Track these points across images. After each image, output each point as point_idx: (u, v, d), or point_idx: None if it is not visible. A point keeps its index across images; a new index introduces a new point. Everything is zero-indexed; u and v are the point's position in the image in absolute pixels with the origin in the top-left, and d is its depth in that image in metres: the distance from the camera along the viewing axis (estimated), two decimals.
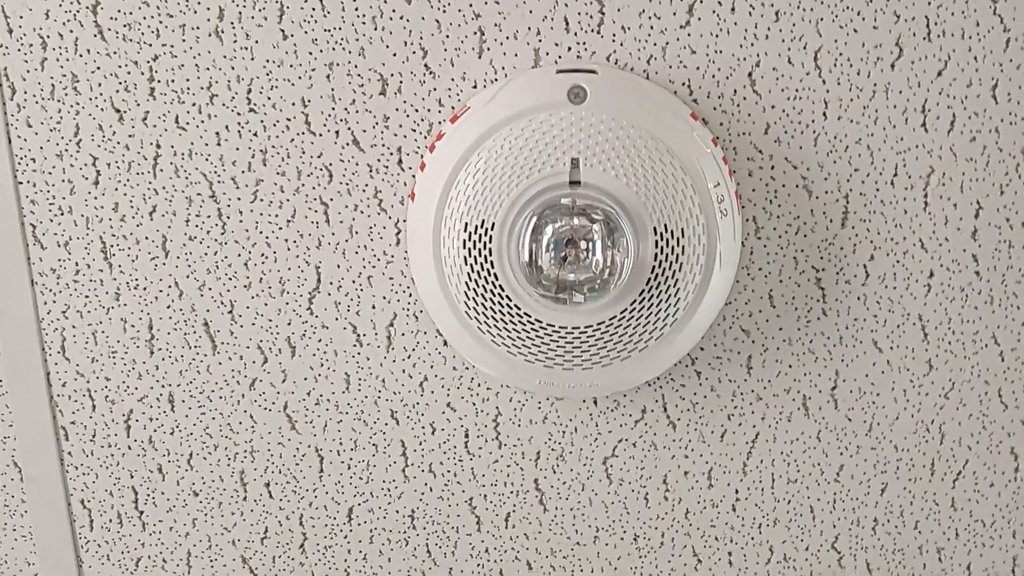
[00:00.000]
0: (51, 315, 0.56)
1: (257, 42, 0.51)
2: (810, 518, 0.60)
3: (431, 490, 0.59)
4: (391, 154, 0.53)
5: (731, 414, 0.57)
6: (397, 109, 0.52)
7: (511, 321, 0.50)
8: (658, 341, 0.50)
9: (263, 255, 0.55)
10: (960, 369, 0.56)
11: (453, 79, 0.51)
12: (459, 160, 0.49)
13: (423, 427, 0.58)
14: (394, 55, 0.51)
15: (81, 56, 0.52)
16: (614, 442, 0.58)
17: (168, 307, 0.56)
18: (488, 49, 0.50)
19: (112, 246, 0.55)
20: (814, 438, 0.58)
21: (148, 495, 0.60)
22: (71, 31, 0.51)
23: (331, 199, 0.54)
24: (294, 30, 0.51)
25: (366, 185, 0.53)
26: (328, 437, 0.58)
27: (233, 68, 0.51)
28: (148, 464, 0.59)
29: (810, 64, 0.51)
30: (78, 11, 0.51)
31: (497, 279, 0.49)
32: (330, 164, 0.53)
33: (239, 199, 0.54)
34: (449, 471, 0.59)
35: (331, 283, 0.55)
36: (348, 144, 0.53)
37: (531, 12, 0.50)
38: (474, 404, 0.57)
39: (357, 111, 0.52)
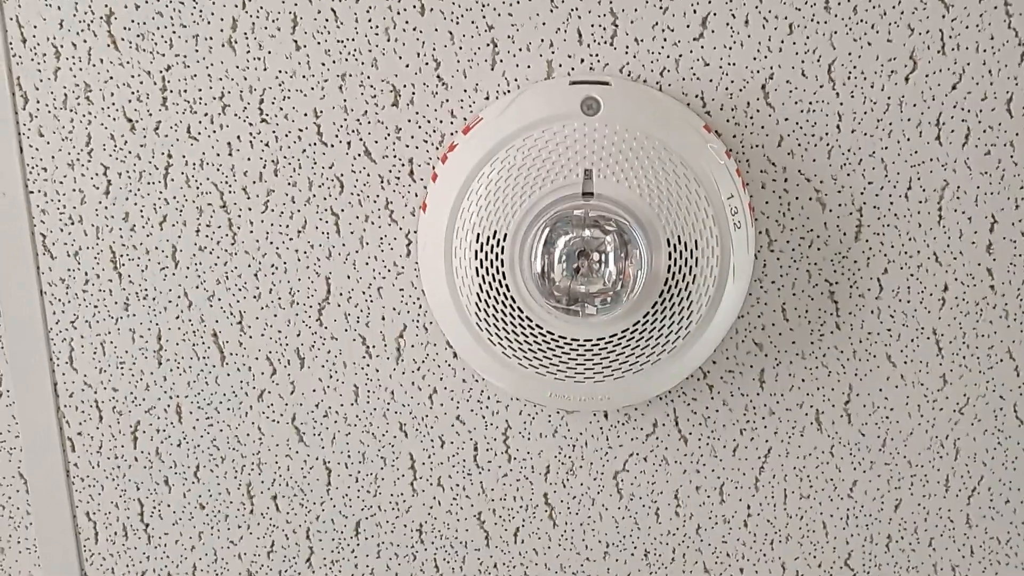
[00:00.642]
0: (60, 325, 0.56)
1: (270, 53, 0.51)
2: (823, 534, 0.59)
3: (439, 504, 0.59)
4: (403, 165, 0.52)
5: (743, 428, 0.57)
6: (409, 120, 0.52)
7: (522, 333, 0.49)
8: (670, 354, 0.50)
9: (273, 265, 0.54)
10: (975, 384, 0.56)
11: (466, 90, 0.51)
12: (471, 171, 0.48)
13: (432, 440, 0.57)
14: (407, 66, 0.51)
15: (94, 66, 0.52)
16: (625, 456, 0.57)
17: (177, 317, 0.56)
18: (501, 61, 0.50)
19: (122, 256, 0.55)
20: (827, 453, 0.57)
21: (154, 507, 0.60)
22: (84, 41, 0.51)
23: (342, 210, 0.53)
24: (307, 41, 0.51)
25: (377, 196, 0.53)
26: (336, 450, 0.58)
27: (245, 78, 0.51)
28: (154, 476, 0.59)
29: (824, 77, 0.50)
30: (92, 21, 0.51)
31: (509, 290, 0.48)
32: (341, 175, 0.53)
33: (250, 209, 0.54)
34: (458, 485, 0.58)
35: (341, 294, 0.55)
36: (360, 155, 0.52)
37: (544, 24, 0.50)
38: (483, 417, 0.57)
39: (369, 122, 0.52)
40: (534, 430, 0.57)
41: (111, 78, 0.52)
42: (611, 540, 0.59)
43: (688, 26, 0.50)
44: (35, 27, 0.51)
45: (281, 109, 0.52)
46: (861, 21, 0.49)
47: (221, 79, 0.51)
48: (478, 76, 0.51)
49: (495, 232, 0.48)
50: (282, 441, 0.58)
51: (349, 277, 0.54)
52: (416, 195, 0.53)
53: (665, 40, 0.50)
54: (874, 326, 0.55)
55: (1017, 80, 0.50)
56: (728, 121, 0.51)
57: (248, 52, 0.51)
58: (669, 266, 0.48)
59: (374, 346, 0.56)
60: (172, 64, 0.51)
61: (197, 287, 0.55)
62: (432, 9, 0.50)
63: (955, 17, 0.49)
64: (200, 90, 0.52)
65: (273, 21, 0.50)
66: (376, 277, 0.54)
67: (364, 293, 0.55)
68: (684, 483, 0.58)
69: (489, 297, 0.49)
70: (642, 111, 0.48)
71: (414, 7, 0.50)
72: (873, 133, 0.51)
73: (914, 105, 0.51)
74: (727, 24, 0.50)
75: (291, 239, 0.54)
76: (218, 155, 0.53)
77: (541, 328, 0.49)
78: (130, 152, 0.53)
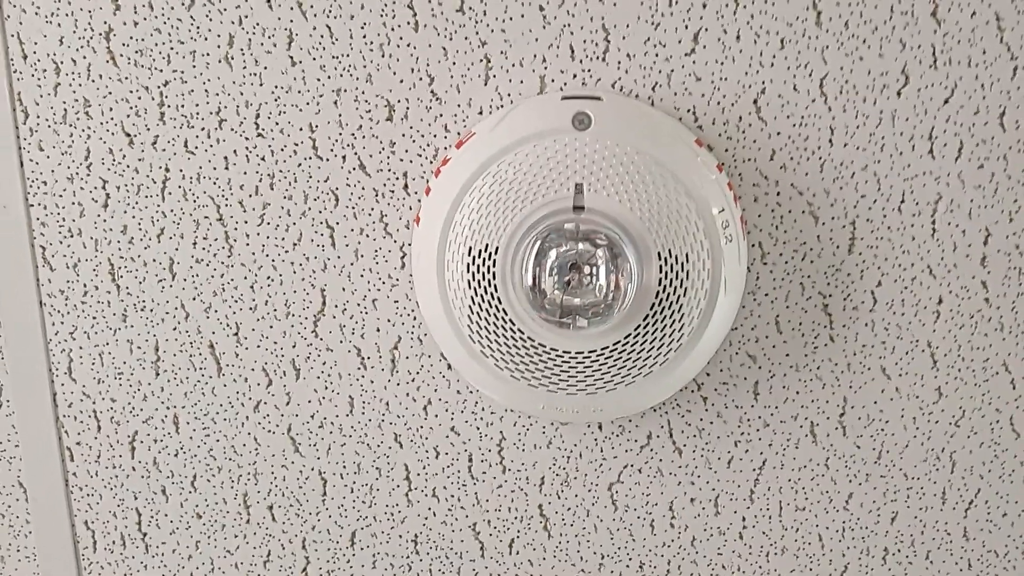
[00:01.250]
0: (59, 336, 0.57)
1: (266, 68, 0.51)
2: (819, 547, 0.59)
3: (434, 515, 0.59)
4: (397, 179, 0.53)
5: (738, 440, 0.57)
6: (403, 135, 0.52)
7: (515, 345, 0.49)
8: (662, 367, 0.50)
9: (269, 278, 0.55)
10: (971, 397, 0.56)
11: (459, 105, 0.51)
12: (464, 185, 0.49)
13: (427, 451, 0.58)
14: (401, 82, 0.51)
15: (93, 81, 0.52)
16: (619, 468, 0.57)
17: (174, 329, 0.56)
18: (494, 76, 0.51)
19: (120, 268, 0.55)
20: (822, 465, 0.57)
21: (151, 517, 0.60)
22: (84, 57, 0.52)
23: (337, 223, 0.54)
24: (303, 57, 0.51)
25: (372, 209, 0.53)
26: (331, 460, 0.58)
27: (242, 94, 0.52)
28: (152, 485, 0.59)
29: (816, 91, 0.51)
30: (91, 37, 0.52)
31: (501, 303, 0.49)
32: (336, 188, 0.53)
33: (246, 222, 0.54)
34: (453, 496, 0.58)
35: (336, 306, 0.55)
36: (355, 169, 0.53)
37: (537, 40, 0.50)
38: (478, 428, 0.57)
39: (364, 136, 0.52)
40: (528, 441, 0.57)
41: (110, 93, 0.52)
42: (606, 552, 0.59)
43: (680, 41, 0.50)
44: (35, 44, 0.52)
45: (277, 124, 0.52)
46: (853, 36, 0.50)
47: (218, 94, 0.52)
48: (471, 91, 0.51)
49: (487, 245, 0.48)
50: (278, 451, 0.58)
51: (344, 289, 0.55)
52: (410, 208, 0.53)
53: (657, 55, 0.50)
54: (868, 339, 0.55)
55: (1010, 94, 0.50)
56: (721, 135, 0.51)
57: (244, 68, 0.52)
58: (660, 279, 0.48)
59: (369, 357, 0.56)
60: (170, 80, 0.52)
61: (194, 299, 0.56)
62: (426, 25, 0.50)
63: (947, 32, 0.49)
64: (197, 105, 0.52)
65: (269, 37, 0.51)
66: (371, 289, 0.55)
67: (359, 305, 0.55)
68: (679, 495, 0.58)
69: (481, 310, 0.49)
70: (633, 126, 0.48)
71: (408, 23, 0.50)
72: (866, 147, 0.51)
73: (907, 119, 0.51)
74: (719, 39, 0.50)
75: (287, 251, 0.55)
76: (215, 169, 0.53)
77: (533, 340, 0.49)
78: (128, 166, 0.54)
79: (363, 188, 0.53)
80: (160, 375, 0.57)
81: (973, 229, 0.53)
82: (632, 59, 0.50)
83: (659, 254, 0.48)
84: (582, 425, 0.56)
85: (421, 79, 0.51)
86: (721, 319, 0.50)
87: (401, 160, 0.53)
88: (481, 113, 0.51)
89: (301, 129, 0.52)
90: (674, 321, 0.49)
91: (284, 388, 0.57)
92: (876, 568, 0.59)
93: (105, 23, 0.51)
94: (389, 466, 0.58)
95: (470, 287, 0.49)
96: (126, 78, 0.52)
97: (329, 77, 0.51)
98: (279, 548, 0.60)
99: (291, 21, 0.51)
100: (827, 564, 0.59)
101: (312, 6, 0.50)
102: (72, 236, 0.55)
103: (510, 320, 0.49)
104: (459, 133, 0.52)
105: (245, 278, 0.55)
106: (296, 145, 0.53)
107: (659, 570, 0.59)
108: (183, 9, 0.51)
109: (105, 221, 0.55)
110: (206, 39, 0.51)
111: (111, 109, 0.53)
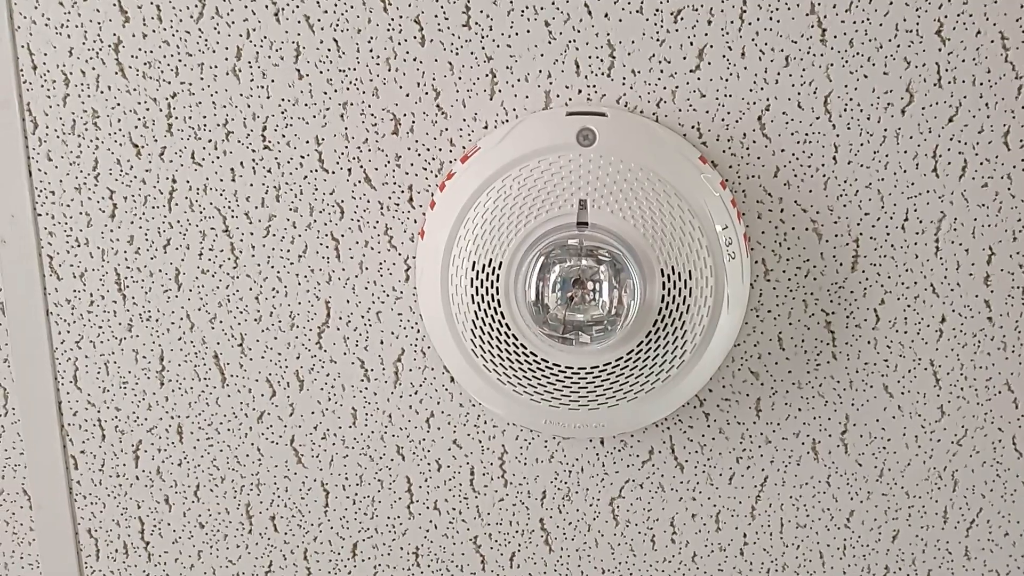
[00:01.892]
0: (64, 345, 0.57)
1: (273, 81, 0.52)
2: (819, 564, 0.59)
3: (436, 527, 0.59)
4: (402, 192, 0.53)
5: (739, 456, 0.57)
6: (409, 148, 0.52)
7: (517, 360, 0.50)
8: (664, 383, 0.50)
9: (274, 289, 0.55)
10: (973, 416, 0.56)
11: (464, 119, 0.52)
12: (468, 199, 0.49)
13: (429, 463, 0.58)
14: (407, 95, 0.52)
15: (102, 92, 0.53)
16: (621, 483, 0.57)
17: (179, 339, 0.57)
18: (499, 91, 0.51)
19: (126, 278, 0.56)
20: (824, 482, 0.57)
21: (155, 526, 0.60)
22: (93, 68, 0.52)
23: (342, 235, 0.54)
24: (309, 70, 0.51)
25: (377, 222, 0.54)
26: (334, 472, 0.58)
27: (249, 106, 0.52)
28: (155, 495, 0.60)
29: (820, 109, 0.51)
30: (100, 49, 0.52)
31: (504, 318, 0.49)
32: (342, 201, 0.53)
33: (252, 234, 0.54)
34: (454, 508, 0.58)
35: (340, 318, 0.55)
36: (360, 181, 0.53)
37: (542, 55, 0.50)
38: (480, 441, 0.57)
39: (370, 149, 0.53)
40: (531, 455, 0.57)
41: (118, 104, 0.53)
42: (607, 567, 0.59)
43: (685, 58, 0.50)
44: (45, 55, 0.52)
45: (283, 136, 0.53)
46: (857, 54, 0.50)
47: (225, 106, 0.52)
48: (477, 106, 0.51)
49: (491, 260, 0.48)
50: (281, 462, 0.58)
51: (348, 301, 0.55)
52: (415, 221, 0.54)
53: (662, 72, 0.50)
54: (871, 356, 0.55)
55: (1014, 113, 0.51)
56: (725, 152, 0.52)
57: (252, 80, 0.52)
58: (663, 296, 0.48)
59: (372, 369, 0.56)
60: (178, 91, 0.52)
61: (199, 309, 0.56)
62: (432, 40, 0.51)
63: (951, 51, 0.50)
64: (204, 117, 0.53)
65: (276, 50, 0.51)
66: (375, 301, 0.55)
67: (363, 317, 0.55)
68: (680, 511, 0.58)
69: (484, 324, 0.49)
70: (637, 142, 0.49)
71: (414, 38, 0.51)
72: (870, 165, 0.52)
73: (911, 137, 0.51)
74: (724, 56, 0.50)
75: (292, 263, 0.55)
76: (221, 180, 0.54)
77: (536, 356, 0.49)
78: (136, 177, 0.54)
79: (368, 201, 0.53)
80: (165, 385, 0.57)
81: (976, 248, 0.53)
82: (637, 75, 0.50)
83: (662, 271, 0.48)
84: (584, 440, 0.57)
85: (427, 93, 0.51)
86: (723, 336, 0.50)
87: (406, 173, 0.53)
88: (486, 127, 0.52)
89: (307, 142, 0.53)
90: (677, 338, 0.49)
91: (288, 399, 0.57)
92: None
93: (114, 35, 0.52)
94: (391, 478, 0.58)
95: (473, 302, 0.49)
96: (134, 89, 0.53)
97: (336, 90, 0.52)
98: (281, 559, 0.60)
99: (298, 34, 0.51)
100: None
101: (319, 20, 0.51)
102: (79, 246, 0.55)
103: (513, 335, 0.49)
104: (464, 147, 0.52)
105: (250, 289, 0.55)
106: (302, 158, 0.53)
107: None
108: (191, 22, 0.51)
109: (112, 231, 0.55)
110: (214, 51, 0.52)
111: (119, 120, 0.53)
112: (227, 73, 0.52)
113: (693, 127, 0.51)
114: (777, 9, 0.49)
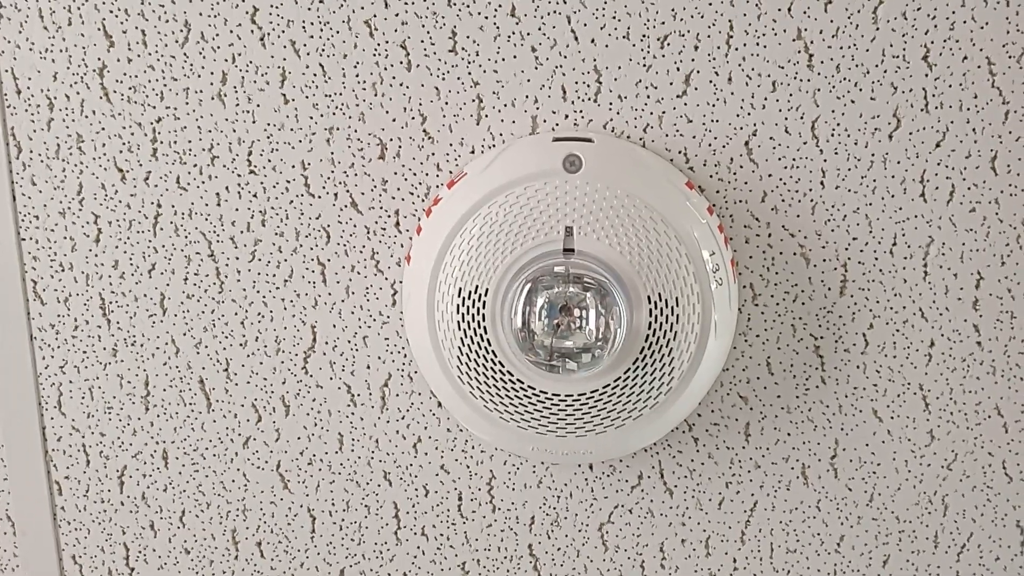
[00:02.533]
0: (48, 370, 0.57)
1: (259, 106, 0.52)
2: None
3: (423, 553, 0.58)
4: (388, 217, 0.53)
5: (729, 482, 0.56)
6: (395, 173, 0.52)
7: (503, 387, 0.49)
8: (652, 410, 0.50)
9: (259, 314, 0.55)
10: (963, 440, 0.55)
11: (451, 144, 0.51)
12: (455, 225, 0.49)
13: (416, 489, 0.57)
14: (393, 120, 0.51)
15: (86, 117, 0.52)
16: (610, 508, 0.57)
17: (164, 364, 0.56)
18: (486, 116, 0.51)
19: (111, 303, 0.55)
20: (814, 507, 0.57)
21: (139, 552, 0.60)
22: (77, 93, 0.52)
23: (328, 260, 0.54)
24: (295, 95, 0.51)
25: (363, 247, 0.53)
26: (320, 497, 0.58)
27: (235, 131, 0.52)
28: (140, 520, 0.59)
29: (807, 134, 0.51)
30: (85, 73, 0.52)
31: (490, 345, 0.49)
32: (328, 226, 0.53)
33: (237, 258, 0.54)
34: (442, 534, 0.58)
35: (326, 343, 0.55)
36: (346, 206, 0.53)
37: (529, 80, 0.50)
38: (468, 467, 0.57)
39: (356, 174, 0.52)
40: (519, 480, 0.57)
41: (103, 129, 0.53)
42: None
43: (671, 83, 0.50)
44: (30, 79, 0.52)
45: (269, 161, 0.52)
46: (844, 79, 0.50)
47: (210, 131, 0.52)
48: (463, 131, 0.51)
49: (477, 287, 0.48)
50: (267, 488, 0.58)
51: (335, 326, 0.55)
52: (401, 246, 0.53)
53: (648, 97, 0.50)
54: (860, 381, 0.54)
55: (1001, 139, 0.50)
56: (712, 177, 0.51)
57: (237, 105, 0.52)
58: (650, 323, 0.48)
59: (359, 394, 0.56)
60: (163, 116, 0.52)
61: (184, 334, 0.56)
62: (419, 65, 0.50)
63: (938, 76, 0.50)
64: (190, 141, 0.52)
65: (262, 75, 0.51)
66: (361, 326, 0.55)
67: (349, 342, 0.55)
68: (670, 536, 0.57)
69: (471, 351, 0.49)
70: (624, 169, 0.48)
71: (401, 63, 0.50)
72: (857, 189, 0.51)
73: (898, 162, 0.51)
74: (710, 81, 0.50)
75: (278, 288, 0.54)
76: (206, 205, 0.53)
77: (522, 383, 0.49)
78: (120, 201, 0.54)
79: (355, 226, 0.53)
80: (150, 410, 0.57)
81: (965, 272, 0.53)
82: (624, 100, 0.50)
83: (649, 297, 0.48)
84: (573, 465, 0.56)
85: (413, 118, 0.51)
86: (711, 362, 0.50)
87: (393, 198, 0.53)
88: (473, 152, 0.51)
89: (293, 166, 0.52)
90: (664, 364, 0.49)
91: (273, 424, 0.57)
92: None
93: (99, 59, 0.52)
94: (378, 504, 0.58)
95: (460, 328, 0.49)
96: (119, 114, 0.52)
97: (322, 115, 0.52)
98: None
99: (284, 59, 0.51)
100: None
101: (305, 44, 0.50)
102: (63, 270, 0.55)
103: (499, 362, 0.49)
104: (451, 172, 0.52)
105: (236, 314, 0.55)
106: (288, 182, 0.53)
107: None
108: (176, 46, 0.51)
109: (96, 256, 0.55)
110: (199, 76, 0.51)
111: (104, 145, 0.53)
112: (212, 98, 0.52)
113: (680, 152, 0.51)
114: (764, 35, 0.49)
